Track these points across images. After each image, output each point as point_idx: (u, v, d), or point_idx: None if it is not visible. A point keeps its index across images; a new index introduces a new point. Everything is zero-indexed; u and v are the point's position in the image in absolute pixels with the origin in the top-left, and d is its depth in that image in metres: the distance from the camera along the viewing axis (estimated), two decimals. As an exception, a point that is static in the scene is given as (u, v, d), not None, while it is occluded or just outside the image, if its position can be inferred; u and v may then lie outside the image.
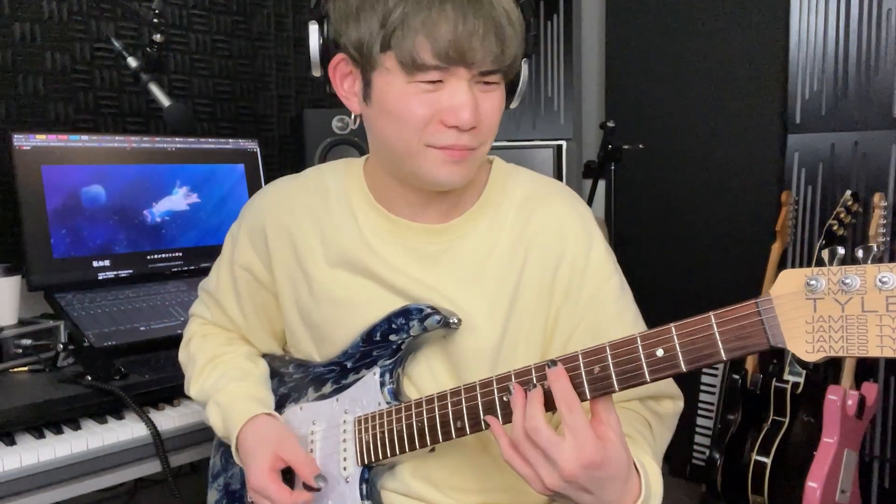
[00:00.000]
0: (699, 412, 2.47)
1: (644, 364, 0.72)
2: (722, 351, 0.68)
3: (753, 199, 2.37)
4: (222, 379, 1.04)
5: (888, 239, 1.99)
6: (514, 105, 0.95)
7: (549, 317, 0.95)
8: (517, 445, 0.76)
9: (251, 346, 1.13)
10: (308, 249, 0.99)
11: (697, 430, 2.47)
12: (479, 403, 0.83)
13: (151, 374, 1.33)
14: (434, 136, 0.85)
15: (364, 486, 0.93)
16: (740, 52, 2.38)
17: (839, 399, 1.79)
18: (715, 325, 0.69)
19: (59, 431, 1.18)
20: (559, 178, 2.43)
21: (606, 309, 0.94)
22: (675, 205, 2.52)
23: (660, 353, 0.72)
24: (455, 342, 0.93)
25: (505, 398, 0.79)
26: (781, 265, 2.20)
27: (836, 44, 2.17)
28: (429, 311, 0.91)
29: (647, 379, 0.72)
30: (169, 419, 1.26)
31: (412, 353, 0.95)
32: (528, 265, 0.94)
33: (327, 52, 0.90)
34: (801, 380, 2.00)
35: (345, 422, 0.96)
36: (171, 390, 1.32)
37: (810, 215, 2.26)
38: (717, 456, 2.10)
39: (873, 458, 2.16)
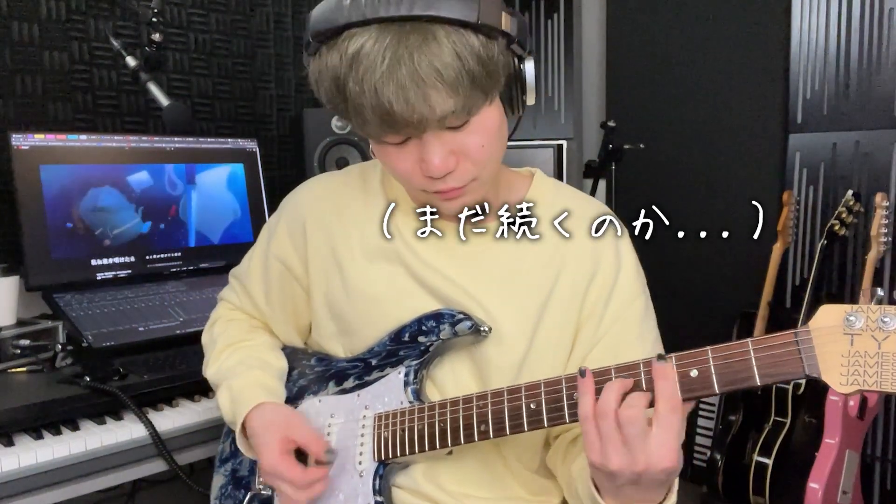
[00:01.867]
0: (700, 413, 2.47)
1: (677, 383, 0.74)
2: (757, 376, 0.71)
3: (755, 199, 2.35)
4: (239, 365, 1.04)
5: (890, 239, 1.99)
6: (531, 102, 0.91)
7: (574, 333, 0.96)
8: (600, 418, 0.74)
9: (273, 337, 1.13)
10: (346, 244, 0.99)
11: (698, 430, 2.47)
12: (506, 409, 0.84)
13: (150, 374, 1.32)
14: (421, 184, 0.85)
15: (377, 482, 0.94)
16: (742, 52, 2.38)
17: (841, 400, 1.79)
18: (752, 351, 0.71)
19: (57, 432, 1.18)
20: (559, 177, 2.42)
21: (629, 330, 0.95)
22: (675, 205, 2.50)
23: (693, 373, 0.73)
24: (481, 350, 0.94)
25: (575, 396, 0.79)
26: (783, 265, 2.19)
27: (837, 43, 2.17)
28: (461, 316, 0.92)
29: (679, 398, 0.74)
30: (168, 420, 1.25)
31: (438, 356, 0.96)
32: (561, 279, 0.95)
33: None
34: (803, 381, 1.99)
35: (364, 417, 0.97)
36: (170, 391, 1.32)
37: (812, 215, 2.26)
38: (719, 457, 2.10)
39: (875, 459, 2.15)
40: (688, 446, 2.48)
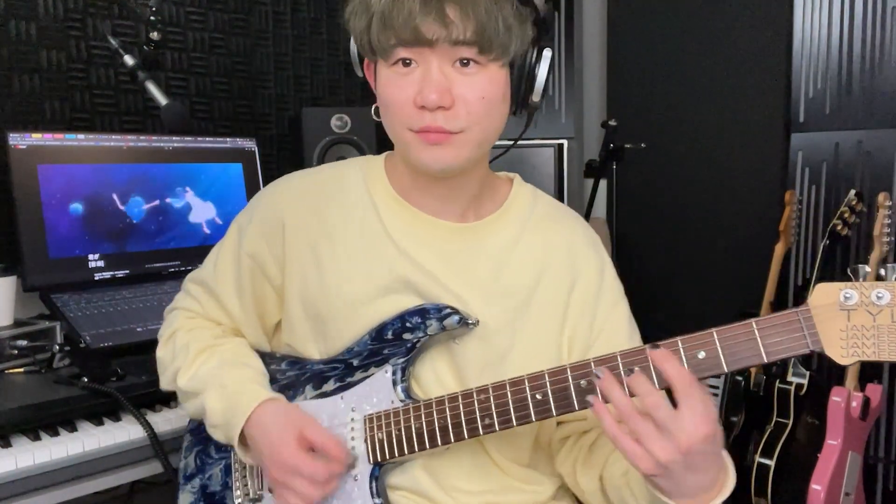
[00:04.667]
0: (701, 413, 2.45)
1: (686, 366, 0.77)
2: (764, 354, 0.76)
3: (756, 199, 2.35)
4: (224, 366, 1.00)
5: (893, 238, 1.97)
6: (536, 98, 0.93)
7: (562, 336, 0.98)
8: (628, 420, 0.75)
9: (244, 339, 1.09)
10: (327, 243, 0.98)
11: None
12: (510, 401, 0.85)
13: (148, 375, 1.30)
14: (411, 120, 0.87)
15: (374, 484, 0.93)
16: (743, 51, 2.37)
17: (843, 400, 1.78)
18: (757, 332, 0.76)
19: (54, 433, 1.17)
20: (560, 177, 2.42)
21: (620, 329, 0.99)
22: (677, 204, 2.51)
23: (701, 355, 0.77)
24: (462, 346, 0.94)
25: (582, 384, 0.81)
26: (785, 265, 2.18)
27: (840, 42, 2.16)
28: (448, 310, 0.92)
29: (689, 371, 0.77)
30: (166, 420, 1.25)
31: (422, 353, 0.95)
32: (543, 282, 0.97)
33: (360, 55, 0.94)
34: (805, 381, 1.98)
35: (352, 420, 0.95)
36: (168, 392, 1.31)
37: (814, 215, 2.25)
38: (720, 458, 2.08)
39: (878, 461, 2.15)
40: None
